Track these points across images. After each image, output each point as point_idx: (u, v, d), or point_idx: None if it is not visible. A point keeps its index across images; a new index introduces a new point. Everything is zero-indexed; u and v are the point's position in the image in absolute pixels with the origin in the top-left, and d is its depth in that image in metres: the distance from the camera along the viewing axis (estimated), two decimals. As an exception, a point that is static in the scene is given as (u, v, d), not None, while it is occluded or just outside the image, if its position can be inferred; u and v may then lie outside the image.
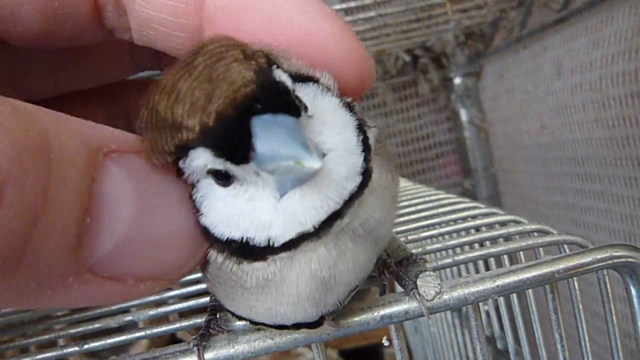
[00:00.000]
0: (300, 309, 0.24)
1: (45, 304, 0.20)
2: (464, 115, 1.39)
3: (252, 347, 0.26)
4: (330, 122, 0.23)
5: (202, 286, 0.39)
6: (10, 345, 0.34)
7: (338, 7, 0.83)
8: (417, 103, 1.46)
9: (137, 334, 0.30)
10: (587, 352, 0.32)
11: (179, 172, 0.22)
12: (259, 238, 0.22)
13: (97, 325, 0.33)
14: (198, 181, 0.22)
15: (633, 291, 0.27)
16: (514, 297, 0.46)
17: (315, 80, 0.24)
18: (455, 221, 0.39)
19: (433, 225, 0.39)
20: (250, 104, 0.20)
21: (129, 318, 0.33)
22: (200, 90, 0.20)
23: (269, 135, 0.20)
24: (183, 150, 0.21)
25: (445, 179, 1.47)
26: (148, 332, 0.30)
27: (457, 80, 1.36)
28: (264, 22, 0.25)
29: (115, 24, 0.28)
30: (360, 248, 0.24)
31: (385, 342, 1.19)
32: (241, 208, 0.22)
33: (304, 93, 0.23)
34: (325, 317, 0.25)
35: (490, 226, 0.37)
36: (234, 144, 0.20)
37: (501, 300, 0.52)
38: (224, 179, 0.22)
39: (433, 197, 0.50)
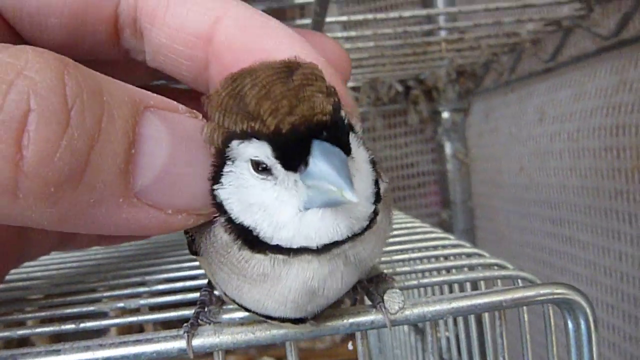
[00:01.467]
0: (284, 309, 0.27)
1: (99, 224, 0.25)
2: (448, 148, 1.44)
3: (235, 338, 0.29)
4: (361, 170, 0.27)
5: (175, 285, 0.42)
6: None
7: (339, 35, 0.87)
8: (405, 132, 1.50)
9: (112, 322, 0.33)
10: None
11: (223, 145, 0.26)
12: (267, 233, 0.26)
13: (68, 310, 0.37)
14: (233, 161, 0.26)
15: (570, 324, 0.31)
16: (473, 326, 0.50)
17: (354, 130, 0.28)
18: (426, 249, 0.43)
19: (405, 250, 0.43)
20: (320, 130, 0.24)
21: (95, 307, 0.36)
22: (288, 101, 0.24)
23: (324, 159, 0.24)
24: (247, 136, 0.25)
25: (425, 208, 1.51)
26: (149, 317, 0.33)
27: (446, 115, 1.41)
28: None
29: (131, 46, 0.32)
30: (349, 271, 0.27)
31: (350, 347, 1.23)
32: (265, 202, 0.25)
33: (351, 139, 0.27)
34: (307, 319, 0.28)
35: (456, 256, 0.41)
36: (292, 153, 0.24)
37: (461, 328, 0.56)
38: (262, 171, 0.25)
39: (409, 225, 0.53)
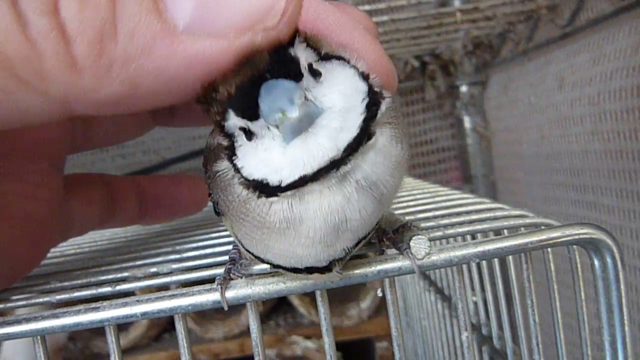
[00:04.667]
0: (314, 251, 0.27)
1: (158, 69, 0.24)
2: (467, 122, 1.43)
3: (267, 289, 0.30)
4: (338, 86, 0.27)
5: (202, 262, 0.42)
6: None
7: (353, 9, 0.87)
8: (423, 108, 1.50)
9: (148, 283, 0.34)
10: (558, 319, 0.36)
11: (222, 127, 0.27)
12: (272, 180, 0.26)
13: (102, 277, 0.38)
14: (236, 134, 0.27)
15: (596, 264, 0.31)
16: (500, 288, 0.50)
17: (343, 58, 0.28)
18: (449, 207, 0.44)
19: (429, 209, 0.43)
20: (261, 75, 0.25)
21: (129, 273, 0.38)
22: (235, 71, 0.25)
23: (269, 95, 0.25)
24: (224, 112, 0.26)
25: (446, 185, 1.51)
26: (174, 277, 0.34)
27: (463, 89, 1.40)
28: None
29: None
30: (366, 199, 0.27)
31: (380, 293, 1.23)
32: (260, 157, 0.27)
33: (325, 65, 0.27)
34: (334, 264, 0.29)
35: (479, 211, 0.41)
36: (247, 105, 0.25)
37: (488, 289, 0.56)
38: (248, 135, 0.27)
39: (431, 190, 0.54)
